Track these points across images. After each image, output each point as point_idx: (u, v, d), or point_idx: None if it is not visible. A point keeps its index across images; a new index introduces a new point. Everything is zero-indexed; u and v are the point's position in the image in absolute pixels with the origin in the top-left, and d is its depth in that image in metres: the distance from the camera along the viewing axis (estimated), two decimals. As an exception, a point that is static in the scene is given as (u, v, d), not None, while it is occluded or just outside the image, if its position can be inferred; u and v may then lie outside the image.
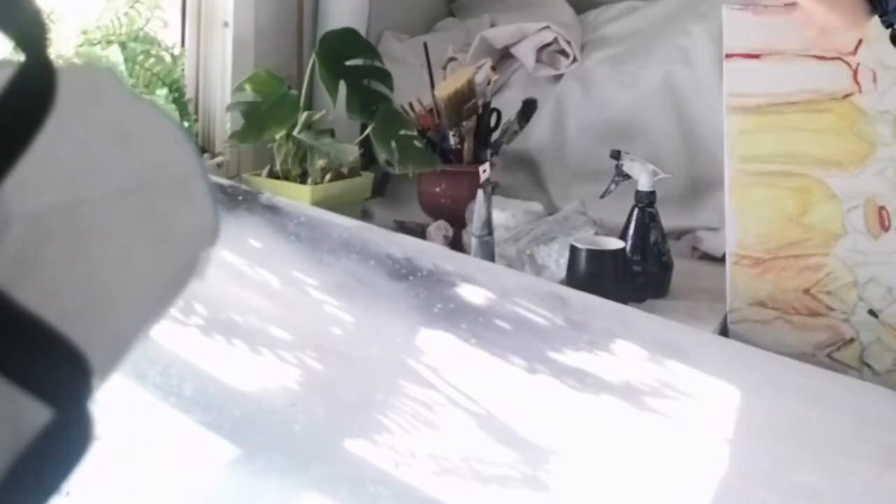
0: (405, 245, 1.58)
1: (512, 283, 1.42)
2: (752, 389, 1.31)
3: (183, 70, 1.86)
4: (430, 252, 1.55)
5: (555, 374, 1.33)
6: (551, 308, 1.46)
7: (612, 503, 1.09)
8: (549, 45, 2.34)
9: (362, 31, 2.08)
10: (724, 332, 1.63)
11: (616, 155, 1.80)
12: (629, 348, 1.39)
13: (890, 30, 0.88)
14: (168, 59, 1.83)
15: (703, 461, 1.16)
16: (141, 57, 1.78)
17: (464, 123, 2.01)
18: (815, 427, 1.23)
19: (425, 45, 2.14)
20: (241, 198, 1.67)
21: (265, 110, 1.83)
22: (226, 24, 1.96)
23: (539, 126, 2.21)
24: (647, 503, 1.10)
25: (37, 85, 0.35)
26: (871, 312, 1.56)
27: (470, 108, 2.01)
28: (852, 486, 1.12)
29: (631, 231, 1.70)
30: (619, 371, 1.34)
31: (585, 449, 1.18)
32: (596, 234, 1.70)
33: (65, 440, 0.35)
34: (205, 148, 2.01)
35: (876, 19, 0.90)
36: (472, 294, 1.45)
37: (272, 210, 1.64)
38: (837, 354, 1.58)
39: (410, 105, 2.05)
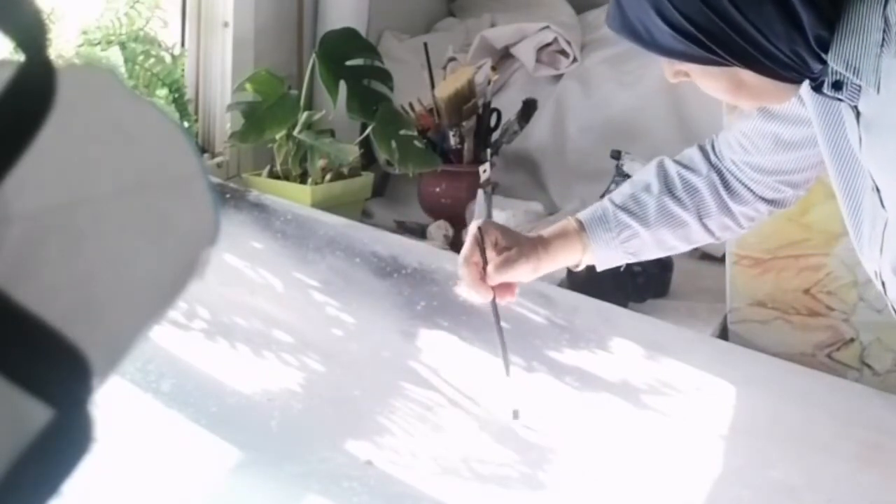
0: (390, 243, 1.58)
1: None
2: (737, 387, 1.32)
3: (183, 70, 1.86)
4: (416, 250, 1.56)
5: (533, 370, 1.33)
6: (540, 306, 1.46)
7: (603, 500, 1.09)
8: (549, 45, 2.34)
9: (362, 31, 2.08)
10: (723, 332, 1.63)
11: (616, 155, 1.80)
12: (617, 347, 1.39)
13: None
14: (168, 59, 1.82)
15: (684, 459, 1.17)
16: (141, 57, 1.78)
17: (464, 123, 2.01)
18: (796, 425, 1.24)
19: (425, 45, 2.14)
20: (228, 196, 1.68)
21: (265, 110, 1.83)
22: (226, 24, 1.96)
23: (539, 126, 2.21)
24: (633, 500, 1.10)
25: (37, 85, 0.35)
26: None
27: (470, 108, 2.01)
28: (827, 482, 1.12)
29: (631, 231, 1.69)
30: (612, 369, 1.34)
31: (580, 445, 1.18)
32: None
33: (65, 441, 0.34)
34: (205, 148, 2.01)
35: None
36: (457, 291, 1.45)
37: (259, 208, 1.65)
38: (837, 354, 1.58)
39: (410, 105, 2.05)
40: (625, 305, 1.59)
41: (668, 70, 1.01)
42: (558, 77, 2.34)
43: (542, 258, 1.22)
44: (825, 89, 0.95)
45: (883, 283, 1.03)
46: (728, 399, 1.29)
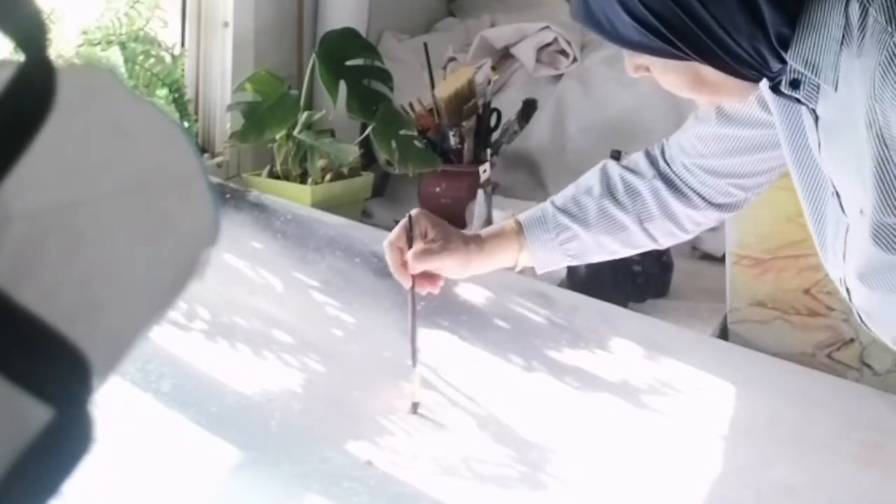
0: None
1: (496, 280, 1.42)
2: (737, 387, 1.32)
3: (183, 70, 1.86)
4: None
5: (533, 370, 1.33)
6: (540, 306, 1.46)
7: (603, 500, 1.09)
8: (549, 45, 2.34)
9: (362, 31, 2.08)
10: (723, 332, 1.63)
11: (616, 155, 1.79)
12: (617, 347, 1.39)
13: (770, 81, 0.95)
14: (168, 59, 1.82)
15: (684, 459, 1.17)
16: (141, 57, 1.78)
17: (464, 123, 2.01)
18: (796, 425, 1.24)
19: (425, 45, 2.14)
20: (228, 196, 1.68)
21: (265, 110, 1.83)
22: (226, 24, 1.96)
23: (539, 126, 2.21)
24: (633, 500, 1.10)
25: (37, 85, 0.35)
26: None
27: (470, 108, 2.01)
28: (827, 482, 1.12)
29: (631, 231, 1.69)
30: (612, 369, 1.34)
31: (580, 445, 1.18)
32: (596, 234, 1.70)
33: (65, 440, 0.34)
34: (205, 148, 2.01)
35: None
36: (456, 291, 1.45)
37: (259, 208, 1.65)
38: (837, 354, 1.58)
39: (410, 105, 2.05)
40: (625, 305, 1.59)
41: (630, 63, 1.01)
42: (558, 77, 2.34)
43: (473, 256, 1.22)
44: (783, 87, 0.94)
45: (848, 290, 1.03)
46: (728, 399, 1.29)
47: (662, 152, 1.23)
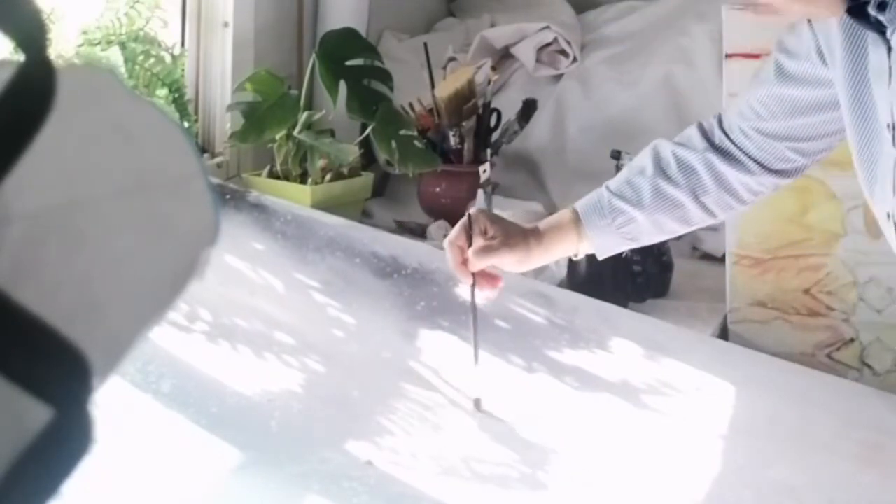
0: (390, 243, 1.58)
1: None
2: (737, 387, 1.32)
3: (183, 70, 1.86)
4: (415, 251, 1.55)
5: (533, 370, 1.33)
6: (539, 307, 1.46)
7: (603, 500, 1.09)
8: (549, 45, 2.33)
9: (362, 31, 2.08)
10: (723, 332, 1.63)
11: (616, 155, 1.80)
12: (617, 347, 1.39)
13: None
14: (168, 59, 1.82)
15: (684, 459, 1.16)
16: (141, 57, 1.78)
17: (464, 123, 2.01)
18: (796, 425, 1.24)
19: (425, 45, 2.14)
20: (228, 196, 1.67)
21: (265, 110, 1.83)
22: (226, 24, 1.96)
23: (539, 126, 2.21)
24: (633, 500, 1.10)
25: (37, 85, 0.35)
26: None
27: (470, 108, 2.01)
28: (827, 482, 1.12)
29: (631, 231, 1.69)
30: (612, 369, 1.34)
31: (580, 445, 1.18)
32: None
33: (65, 441, 0.34)
34: (205, 148, 2.01)
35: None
36: (457, 291, 1.45)
37: (259, 208, 1.64)
38: (837, 354, 1.58)
39: (410, 105, 2.05)
40: (625, 305, 1.59)
41: None
42: (558, 77, 2.34)
43: (533, 250, 1.22)
44: (870, 8, 0.95)
45: (895, 225, 1.03)
46: (728, 399, 1.29)
47: (720, 122, 1.23)
